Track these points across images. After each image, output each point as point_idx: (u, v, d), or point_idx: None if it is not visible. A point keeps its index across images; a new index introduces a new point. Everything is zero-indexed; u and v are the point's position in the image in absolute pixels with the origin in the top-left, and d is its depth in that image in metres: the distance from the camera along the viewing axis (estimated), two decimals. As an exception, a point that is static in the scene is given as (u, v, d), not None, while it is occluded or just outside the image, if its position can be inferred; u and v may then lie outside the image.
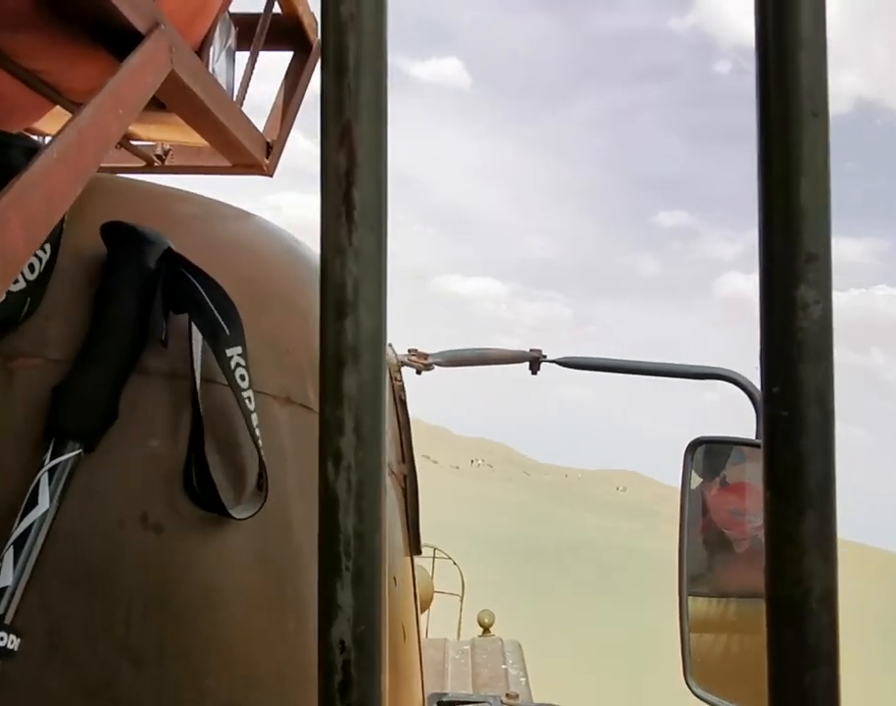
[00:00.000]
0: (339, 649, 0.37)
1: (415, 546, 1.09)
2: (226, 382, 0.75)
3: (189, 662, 0.72)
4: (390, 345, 1.25)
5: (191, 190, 0.95)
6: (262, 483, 0.76)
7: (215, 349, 0.75)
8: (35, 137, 1.24)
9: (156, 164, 1.29)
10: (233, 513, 0.73)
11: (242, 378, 0.75)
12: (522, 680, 3.24)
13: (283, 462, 0.80)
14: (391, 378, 1.12)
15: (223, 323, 0.76)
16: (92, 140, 0.59)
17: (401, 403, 1.13)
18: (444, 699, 1.85)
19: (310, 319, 0.87)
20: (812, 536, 0.34)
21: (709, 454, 1.44)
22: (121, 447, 0.73)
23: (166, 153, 1.31)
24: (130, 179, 0.95)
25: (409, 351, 1.52)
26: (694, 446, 1.43)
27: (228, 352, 0.75)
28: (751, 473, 1.42)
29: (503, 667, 3.36)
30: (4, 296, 0.64)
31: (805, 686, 0.35)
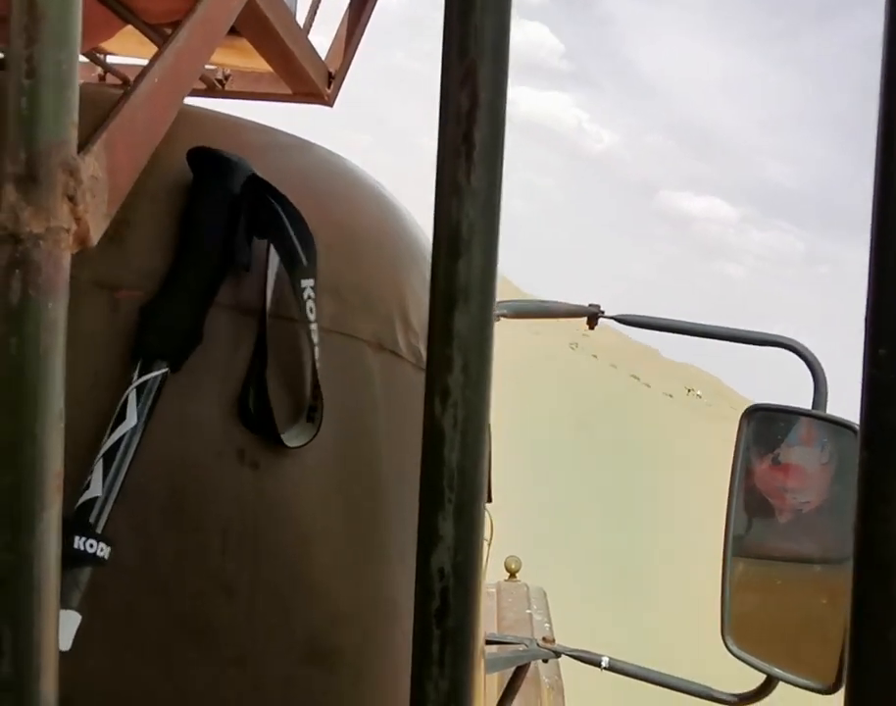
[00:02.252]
0: (438, 577, 0.38)
1: (487, 495, 1.10)
2: (296, 315, 0.76)
3: (278, 596, 0.74)
4: None
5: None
6: (313, 416, 0.77)
7: (291, 278, 0.76)
8: (100, 56, 1.25)
9: (217, 88, 1.29)
10: (284, 438, 0.74)
11: (311, 310, 0.76)
12: (546, 625, 3.28)
13: (374, 408, 0.81)
14: None
15: (301, 252, 0.77)
16: (187, 63, 0.60)
17: None
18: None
19: (399, 266, 0.87)
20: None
21: (765, 422, 1.44)
22: (217, 380, 0.74)
23: (226, 77, 1.30)
24: (200, 108, 0.96)
25: None
26: (751, 412, 1.43)
27: (303, 283, 0.76)
28: (802, 456, 1.42)
29: (528, 612, 3.40)
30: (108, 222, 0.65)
31: (888, 644, 0.35)
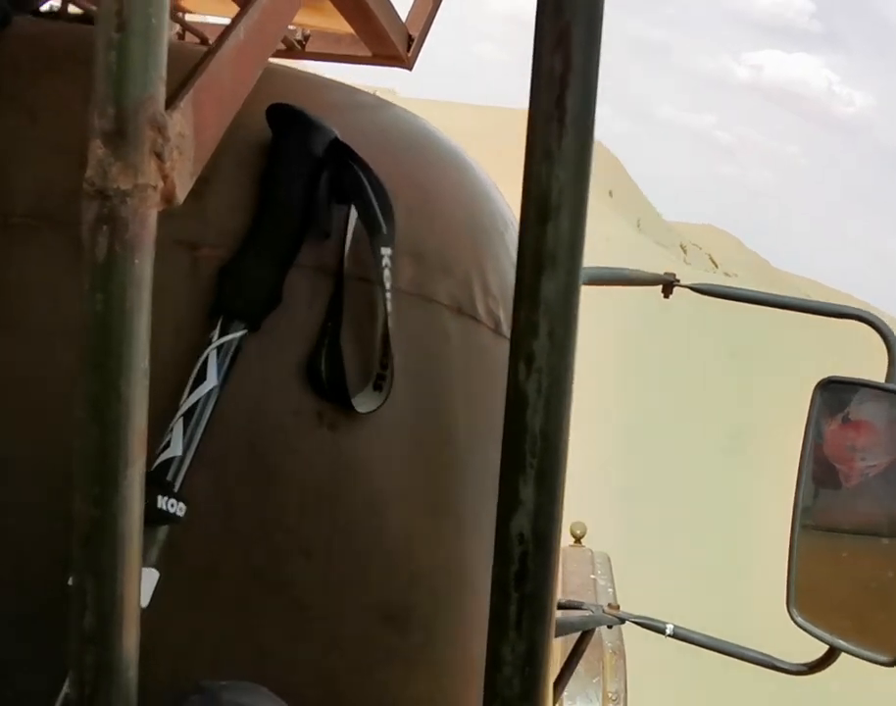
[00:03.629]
0: (518, 541, 0.38)
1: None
2: (373, 277, 0.75)
3: (354, 558, 0.75)
4: None
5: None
6: (381, 384, 0.76)
7: (372, 245, 0.76)
8: (179, 14, 1.26)
9: (296, 49, 1.29)
10: (355, 403, 0.74)
11: (387, 278, 0.76)
12: (610, 590, 3.28)
13: (452, 371, 0.80)
14: None
15: (381, 220, 0.76)
16: (272, 21, 0.59)
17: None
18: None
19: (478, 230, 0.87)
20: None
21: (838, 395, 1.42)
22: (294, 341, 0.74)
23: (306, 38, 1.30)
24: (282, 66, 0.95)
25: None
26: (824, 385, 1.41)
27: (382, 250, 0.75)
28: (875, 412, 1.40)
29: (592, 577, 3.41)
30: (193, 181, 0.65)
31: None
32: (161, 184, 0.38)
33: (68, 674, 0.60)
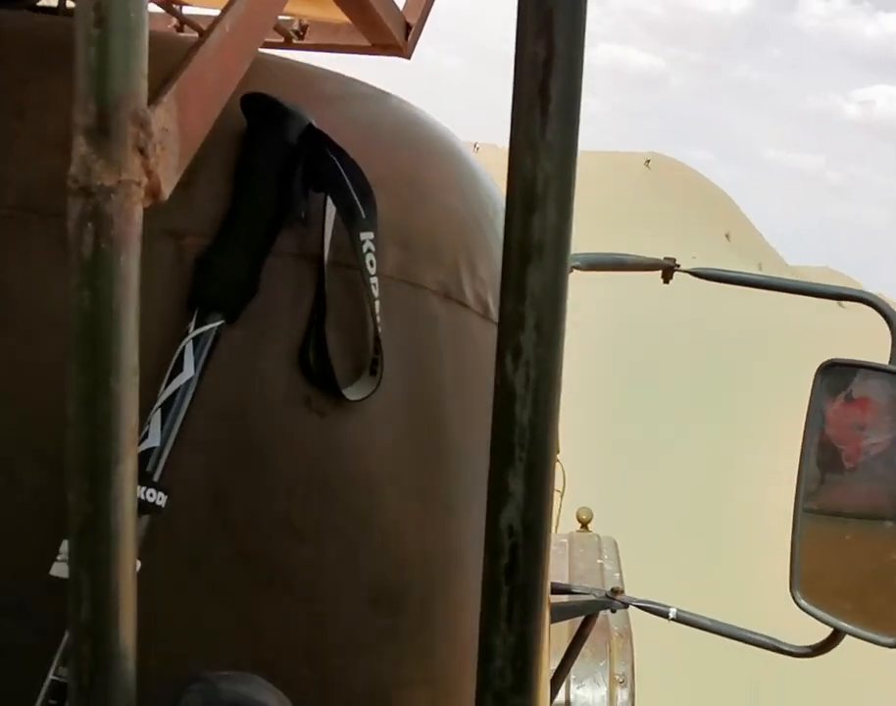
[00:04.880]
0: (508, 533, 0.38)
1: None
2: (356, 263, 0.75)
3: (345, 540, 0.75)
4: None
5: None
6: (375, 369, 0.77)
7: (350, 232, 0.75)
8: (176, 7, 1.25)
9: (294, 40, 1.28)
10: (345, 392, 0.74)
11: (371, 263, 0.75)
12: (617, 575, 3.30)
13: (439, 356, 0.80)
14: None
15: (360, 205, 0.76)
16: (259, 14, 0.59)
17: None
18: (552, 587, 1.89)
19: (466, 216, 0.86)
20: None
21: (840, 377, 1.42)
22: (279, 329, 0.74)
23: (303, 29, 1.30)
24: (275, 56, 0.95)
25: None
26: (826, 368, 1.42)
27: (362, 236, 0.75)
28: (877, 389, 1.39)
29: (598, 562, 3.42)
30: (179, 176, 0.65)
31: None
32: (145, 180, 0.38)
33: (55, 661, 0.61)
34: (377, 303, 0.75)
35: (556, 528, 4.48)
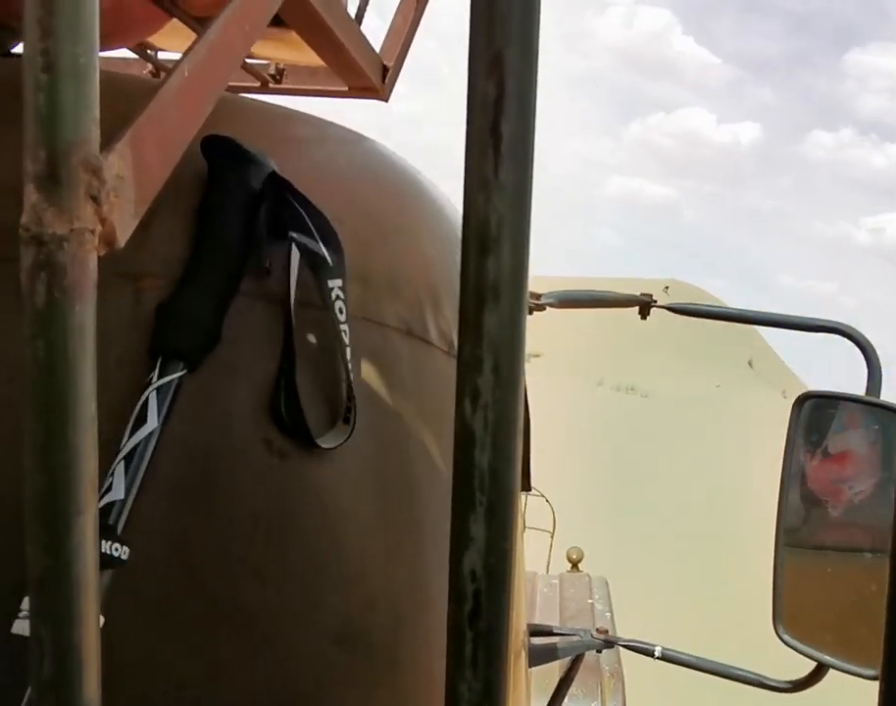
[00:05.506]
0: (470, 579, 0.37)
1: (525, 484, 1.09)
2: (327, 309, 0.75)
3: (309, 580, 0.74)
4: None
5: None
6: (349, 417, 0.76)
7: (317, 280, 0.75)
8: (150, 52, 1.25)
9: (271, 84, 1.28)
10: (320, 442, 0.73)
11: (340, 311, 0.75)
12: (608, 614, 3.31)
13: (404, 395, 0.80)
14: None
15: (325, 253, 0.75)
16: (221, 57, 0.59)
17: None
18: (536, 629, 1.89)
19: (430, 253, 0.87)
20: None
21: (817, 410, 1.42)
22: (244, 374, 0.73)
23: (280, 73, 1.30)
24: (247, 98, 0.95)
25: None
26: (802, 400, 1.42)
27: (330, 283, 0.74)
28: (853, 439, 1.40)
29: (589, 602, 3.43)
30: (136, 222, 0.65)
31: None
32: (99, 228, 0.37)
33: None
34: (349, 350, 0.75)
35: (547, 569, 4.47)
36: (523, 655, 1.10)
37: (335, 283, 0.75)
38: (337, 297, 0.75)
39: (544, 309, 1.51)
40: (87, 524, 0.37)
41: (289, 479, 0.74)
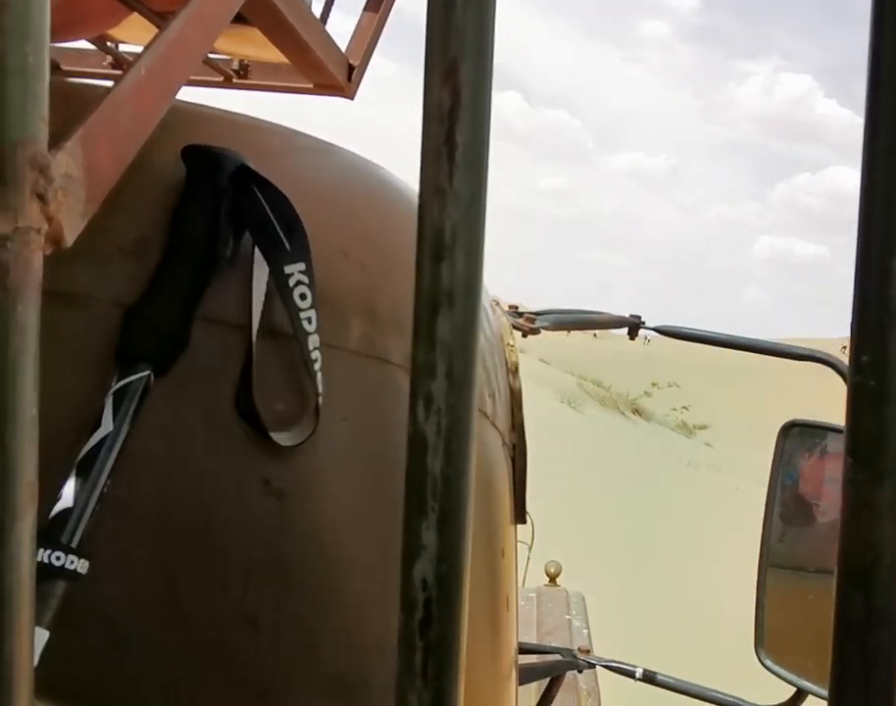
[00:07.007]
0: (421, 587, 0.37)
1: (520, 515, 1.07)
2: (289, 329, 0.73)
3: (305, 628, 0.72)
4: (498, 305, 1.21)
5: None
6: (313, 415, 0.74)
7: (272, 268, 0.73)
8: (110, 44, 1.24)
9: (235, 80, 1.27)
10: (275, 437, 0.72)
11: (303, 296, 0.73)
12: (585, 631, 3.29)
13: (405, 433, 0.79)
14: (504, 343, 1.08)
15: (283, 237, 0.73)
16: (180, 56, 0.58)
17: (513, 370, 1.09)
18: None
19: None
20: (889, 505, 0.34)
21: (801, 438, 1.44)
22: (209, 397, 0.72)
23: (244, 68, 1.29)
24: (217, 110, 0.94)
25: (509, 307, 1.47)
26: (788, 428, 1.44)
27: (287, 269, 0.73)
28: (835, 467, 1.42)
29: (567, 617, 3.41)
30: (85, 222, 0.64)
31: (868, 648, 0.35)
32: (45, 227, 0.36)
33: None
34: (312, 338, 0.73)
35: (524, 582, 4.45)
36: (514, 672, 1.07)
37: (295, 268, 0.73)
38: (298, 282, 0.73)
39: (539, 332, 1.50)
40: (24, 533, 0.36)
41: (285, 522, 0.72)
